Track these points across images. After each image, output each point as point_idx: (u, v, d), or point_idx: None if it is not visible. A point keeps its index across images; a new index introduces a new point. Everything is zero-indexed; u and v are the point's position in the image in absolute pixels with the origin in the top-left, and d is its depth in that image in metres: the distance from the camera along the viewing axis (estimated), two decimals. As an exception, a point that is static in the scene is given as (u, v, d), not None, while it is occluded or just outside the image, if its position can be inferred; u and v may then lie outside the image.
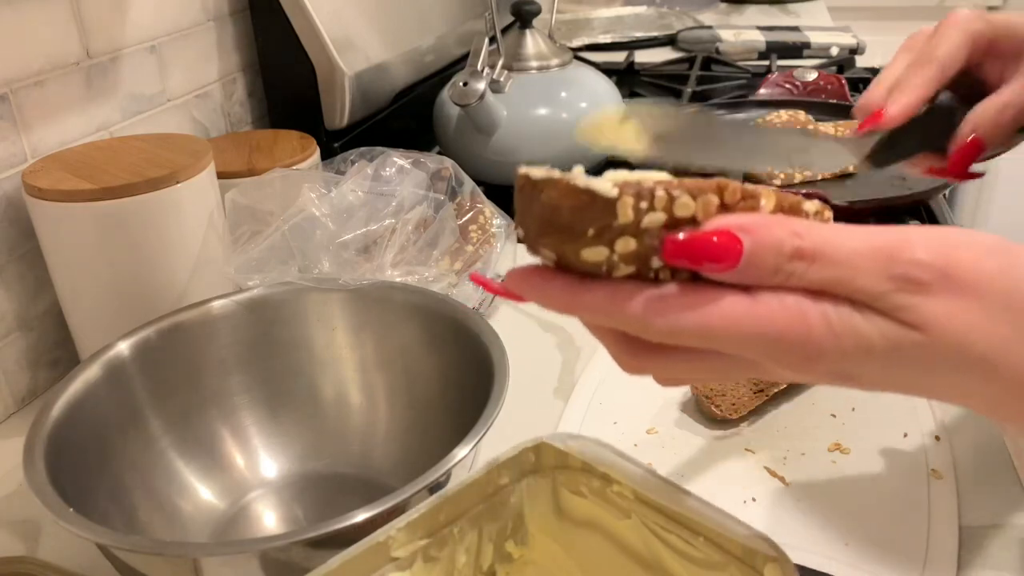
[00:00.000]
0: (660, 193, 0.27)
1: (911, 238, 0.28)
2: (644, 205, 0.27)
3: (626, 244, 0.27)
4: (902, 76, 0.49)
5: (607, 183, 0.27)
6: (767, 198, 0.30)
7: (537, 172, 0.28)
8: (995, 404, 0.30)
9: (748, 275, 0.28)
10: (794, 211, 0.31)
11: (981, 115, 0.48)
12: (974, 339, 0.28)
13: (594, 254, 0.28)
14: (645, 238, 0.27)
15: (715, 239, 0.27)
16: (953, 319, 0.28)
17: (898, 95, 0.49)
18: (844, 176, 0.87)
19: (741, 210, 0.29)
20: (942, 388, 0.30)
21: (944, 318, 0.28)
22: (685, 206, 0.28)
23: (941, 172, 0.51)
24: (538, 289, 0.29)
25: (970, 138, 0.49)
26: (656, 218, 0.27)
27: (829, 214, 0.32)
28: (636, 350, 0.31)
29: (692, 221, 0.28)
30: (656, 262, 0.28)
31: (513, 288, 0.30)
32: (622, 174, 0.28)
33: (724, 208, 0.28)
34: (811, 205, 0.31)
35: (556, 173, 0.28)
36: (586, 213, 0.27)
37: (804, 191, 0.81)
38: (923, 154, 0.51)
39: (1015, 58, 0.49)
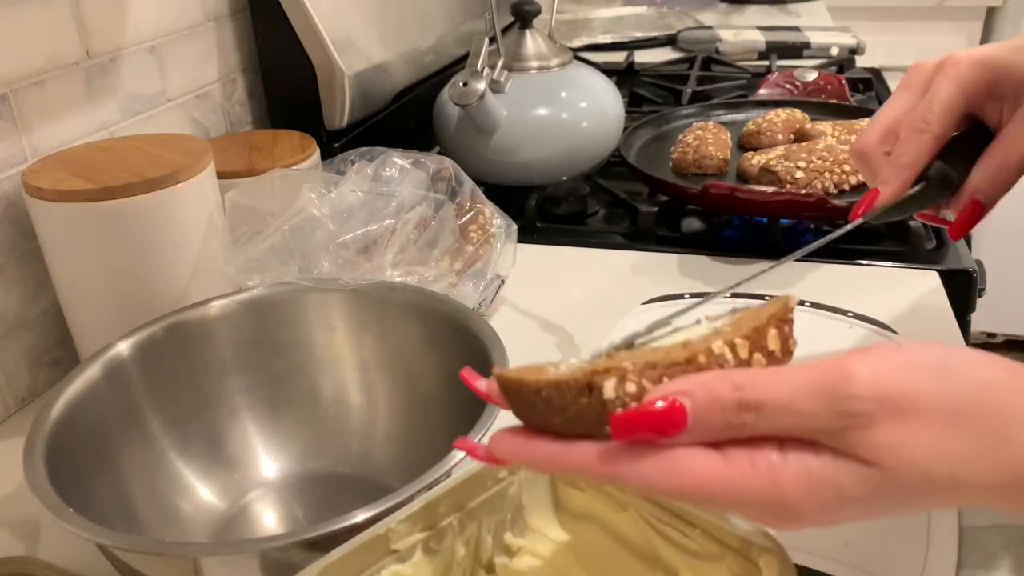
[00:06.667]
0: (632, 383, 0.29)
1: (848, 369, 0.28)
2: (621, 393, 0.29)
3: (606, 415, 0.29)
4: (899, 147, 0.48)
5: (576, 372, 0.29)
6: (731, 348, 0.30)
7: (511, 373, 0.31)
8: (972, 504, 0.30)
9: (701, 434, 0.28)
10: (759, 341, 0.31)
11: (980, 179, 0.47)
12: (930, 463, 0.28)
13: (576, 429, 0.30)
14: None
15: (658, 408, 0.28)
16: (905, 447, 0.28)
17: (891, 172, 0.48)
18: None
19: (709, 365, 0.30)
20: (919, 507, 0.30)
21: (896, 447, 0.28)
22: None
23: (936, 220, 0.52)
24: (522, 453, 0.31)
25: (971, 202, 0.48)
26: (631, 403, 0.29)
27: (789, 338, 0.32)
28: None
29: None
30: None
31: (498, 453, 0.31)
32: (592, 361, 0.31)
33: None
34: (773, 338, 0.31)
35: (528, 374, 0.30)
36: (565, 397, 0.29)
37: (803, 191, 0.81)
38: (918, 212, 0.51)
39: (1014, 98, 0.48)
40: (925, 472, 0.28)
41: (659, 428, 0.28)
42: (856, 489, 0.28)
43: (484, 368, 0.52)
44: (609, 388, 0.28)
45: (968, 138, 0.49)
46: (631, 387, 0.28)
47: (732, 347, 0.30)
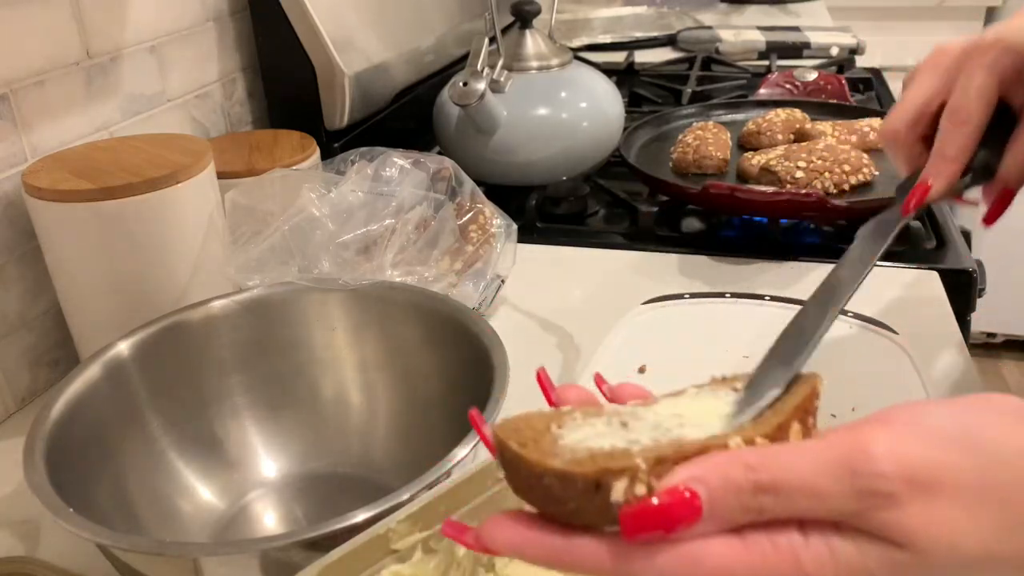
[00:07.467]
0: (642, 484, 0.26)
1: (867, 446, 0.26)
2: (631, 496, 0.26)
3: (611, 513, 0.26)
4: (943, 140, 0.47)
5: (585, 462, 0.26)
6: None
7: (512, 443, 0.27)
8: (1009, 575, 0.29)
9: (717, 523, 0.26)
10: (781, 432, 0.29)
11: (1011, 165, 0.47)
12: (962, 541, 0.27)
13: (575, 520, 0.27)
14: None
15: (670, 502, 0.26)
16: (936, 527, 0.26)
17: (941, 166, 0.47)
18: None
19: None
20: None
21: (925, 527, 0.26)
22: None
23: (961, 200, 0.51)
24: (521, 546, 0.28)
25: (1003, 190, 0.48)
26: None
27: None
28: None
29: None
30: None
31: (489, 543, 0.28)
32: (592, 441, 0.28)
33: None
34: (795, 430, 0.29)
35: (529, 442, 0.27)
36: (569, 490, 0.26)
37: (803, 191, 0.81)
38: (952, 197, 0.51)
39: None
40: (958, 551, 0.27)
41: (674, 523, 0.26)
42: (880, 568, 0.27)
43: (484, 369, 0.52)
44: (619, 490, 0.26)
45: (997, 123, 0.48)
46: (641, 489, 0.26)
47: (751, 445, 0.28)
